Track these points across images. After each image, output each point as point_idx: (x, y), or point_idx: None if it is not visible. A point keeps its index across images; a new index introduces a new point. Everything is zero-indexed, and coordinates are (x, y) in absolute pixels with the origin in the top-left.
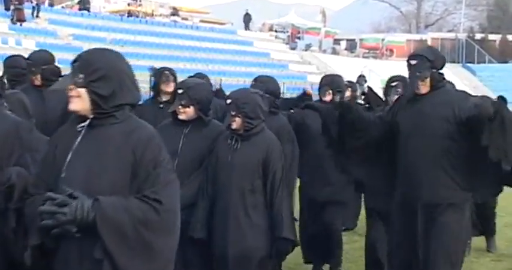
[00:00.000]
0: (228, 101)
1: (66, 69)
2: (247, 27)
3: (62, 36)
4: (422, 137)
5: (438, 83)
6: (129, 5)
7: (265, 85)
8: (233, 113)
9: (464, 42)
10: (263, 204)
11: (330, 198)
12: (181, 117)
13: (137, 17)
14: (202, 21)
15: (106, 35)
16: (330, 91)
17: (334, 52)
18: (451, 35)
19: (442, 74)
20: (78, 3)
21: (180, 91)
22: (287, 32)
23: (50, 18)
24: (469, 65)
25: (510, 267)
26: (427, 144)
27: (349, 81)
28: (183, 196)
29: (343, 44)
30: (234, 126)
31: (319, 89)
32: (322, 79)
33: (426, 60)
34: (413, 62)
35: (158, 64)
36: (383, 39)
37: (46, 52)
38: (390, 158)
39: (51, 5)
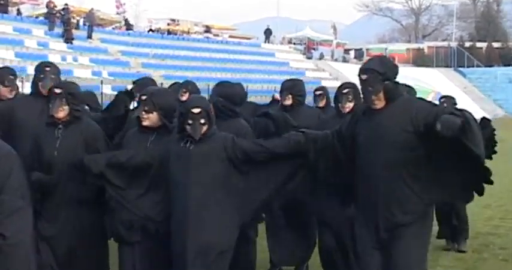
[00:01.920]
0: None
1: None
2: (267, 40)
3: (112, 53)
4: (381, 149)
5: (393, 95)
6: (168, 24)
7: (222, 89)
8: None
9: (456, 50)
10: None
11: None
12: (145, 123)
13: (175, 34)
14: (231, 36)
15: (149, 51)
16: (290, 95)
17: (345, 60)
18: (445, 44)
19: (397, 82)
20: (125, 24)
21: (143, 97)
22: (304, 44)
23: (101, 37)
24: (460, 68)
25: None
26: (387, 156)
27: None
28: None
29: (352, 53)
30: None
31: (280, 93)
32: (282, 84)
33: (377, 74)
34: (364, 76)
35: (193, 74)
36: (386, 49)
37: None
38: (348, 172)
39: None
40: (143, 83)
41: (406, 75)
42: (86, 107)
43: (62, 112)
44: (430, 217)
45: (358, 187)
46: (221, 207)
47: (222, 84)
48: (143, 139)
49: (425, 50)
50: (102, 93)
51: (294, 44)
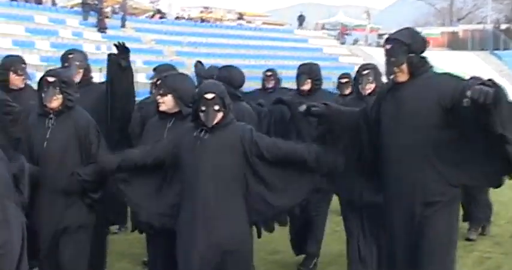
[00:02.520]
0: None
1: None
2: (300, 26)
3: (145, 42)
4: (405, 129)
5: (418, 69)
6: (201, 12)
7: (220, 73)
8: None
9: (492, 32)
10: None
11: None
12: (162, 108)
13: (208, 22)
14: (264, 23)
15: (182, 39)
16: (309, 80)
17: (378, 45)
18: (480, 26)
19: (423, 57)
20: (158, 12)
21: (158, 82)
22: (337, 29)
23: (135, 26)
24: (496, 51)
25: None
26: (411, 136)
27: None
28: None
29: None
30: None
31: (297, 77)
32: (299, 67)
33: (401, 44)
34: (388, 46)
35: (226, 61)
36: (420, 33)
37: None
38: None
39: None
40: (162, 69)
41: (441, 59)
42: None
43: (56, 101)
44: (458, 201)
45: (383, 171)
46: (234, 203)
47: (219, 69)
48: (161, 126)
49: (460, 34)
50: (136, 82)
51: (327, 29)
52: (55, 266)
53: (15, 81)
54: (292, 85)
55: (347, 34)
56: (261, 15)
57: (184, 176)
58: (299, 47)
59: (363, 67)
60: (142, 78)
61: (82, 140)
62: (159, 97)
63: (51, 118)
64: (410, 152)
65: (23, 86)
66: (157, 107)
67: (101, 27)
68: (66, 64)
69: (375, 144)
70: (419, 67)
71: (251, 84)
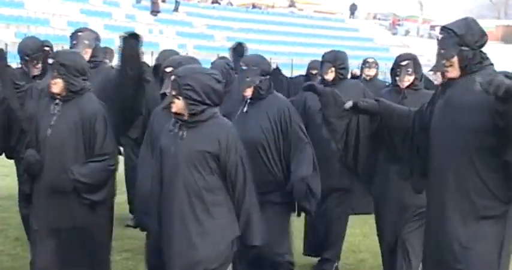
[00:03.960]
0: (172, 78)
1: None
2: (352, 16)
3: (197, 26)
4: (451, 130)
5: (471, 65)
6: None
7: (259, 67)
8: (174, 93)
9: None
10: (220, 205)
11: (334, 187)
12: (174, 109)
13: (260, 8)
14: (315, 11)
15: (234, 25)
16: (333, 69)
17: (430, 37)
18: None
19: (481, 53)
20: None
21: (172, 78)
22: (389, 19)
23: (187, 11)
24: None
25: None
26: (456, 140)
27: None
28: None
29: (438, 29)
30: (174, 109)
31: (321, 65)
32: (324, 55)
33: (453, 35)
34: (439, 36)
35: (277, 48)
36: (479, 24)
37: None
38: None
39: None
40: (166, 55)
41: (494, 52)
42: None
43: (55, 86)
44: (508, 220)
45: (428, 175)
46: (212, 216)
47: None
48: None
49: None
50: None
51: (379, 19)
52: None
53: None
54: None
55: (399, 25)
56: (313, 3)
57: (163, 180)
58: (350, 36)
59: (402, 57)
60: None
61: (87, 129)
62: (172, 98)
63: (57, 104)
64: (453, 155)
65: (38, 73)
66: (170, 107)
67: (154, 11)
68: (74, 42)
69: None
70: (474, 63)
71: (301, 73)
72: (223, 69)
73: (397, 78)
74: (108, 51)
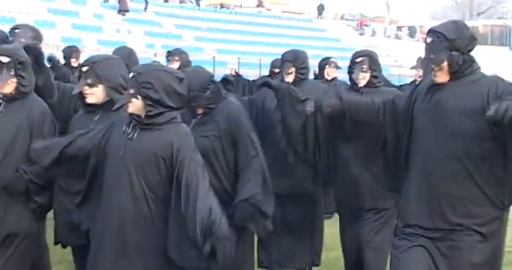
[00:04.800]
0: (131, 75)
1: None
2: (319, 16)
3: (165, 26)
4: (442, 136)
5: (462, 70)
6: None
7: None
8: (131, 92)
9: None
10: (166, 218)
11: (295, 191)
12: (90, 100)
13: (228, 8)
14: (283, 11)
15: (202, 24)
16: (293, 68)
17: (397, 37)
18: (500, 22)
19: (471, 57)
20: None
21: (84, 69)
22: (356, 20)
23: (155, 10)
24: None
25: None
26: (448, 146)
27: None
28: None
29: (405, 30)
30: (131, 109)
31: (281, 65)
32: (283, 54)
33: (443, 39)
34: (428, 39)
35: (245, 48)
36: (469, 28)
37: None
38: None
39: None
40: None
41: None
42: None
43: (9, 86)
44: (502, 226)
45: (410, 180)
46: (154, 227)
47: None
48: (88, 120)
49: (480, 29)
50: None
51: (347, 20)
52: None
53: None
54: (310, 76)
55: (366, 25)
56: (281, 3)
57: (104, 186)
58: (317, 36)
59: (356, 54)
60: (161, 62)
61: (35, 132)
62: (86, 88)
63: (0, 104)
64: (446, 161)
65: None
66: (83, 98)
67: (122, 10)
68: (11, 39)
69: (402, 145)
70: (464, 68)
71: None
72: None
73: (353, 76)
74: (74, 50)
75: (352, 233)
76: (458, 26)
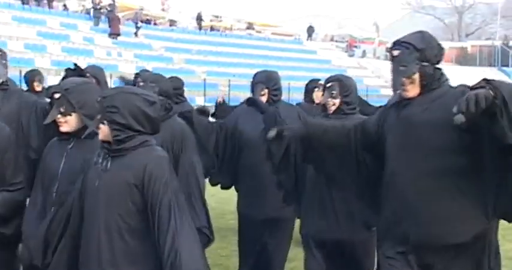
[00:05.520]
0: (98, 99)
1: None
2: (309, 38)
3: (155, 49)
4: (414, 153)
5: (432, 83)
6: (211, 20)
7: (158, 85)
8: (98, 117)
9: (500, 49)
10: (144, 253)
11: (269, 215)
12: (64, 129)
13: (218, 31)
14: (273, 33)
15: (192, 47)
16: (266, 90)
17: (387, 58)
18: (488, 42)
19: (439, 69)
20: (169, 21)
21: (56, 95)
22: (346, 41)
23: (145, 33)
24: (503, 68)
25: None
26: (422, 162)
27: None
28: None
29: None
30: (101, 136)
31: (252, 87)
32: (255, 75)
33: (413, 50)
34: (395, 52)
35: (235, 70)
36: (436, 38)
37: None
38: (367, 182)
39: (148, 22)
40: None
41: (449, 74)
42: None
43: None
44: (488, 239)
45: (386, 202)
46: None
47: (155, 78)
48: (61, 148)
49: (469, 49)
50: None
51: (336, 41)
52: None
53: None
54: (300, 96)
55: (356, 46)
56: (271, 26)
57: (84, 223)
58: (308, 58)
59: (327, 79)
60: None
61: None
62: (59, 116)
63: None
64: (421, 179)
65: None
66: (57, 127)
67: (114, 33)
68: None
69: (376, 167)
70: (434, 80)
71: None
72: None
73: (322, 101)
74: (36, 74)
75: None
76: (425, 36)
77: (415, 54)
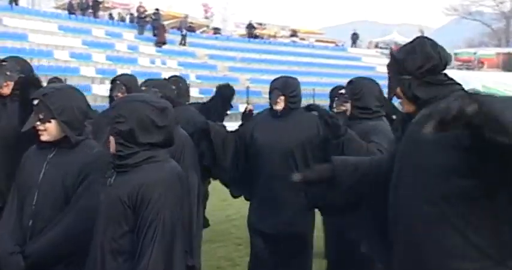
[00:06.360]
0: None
1: (201, 85)
2: (354, 45)
3: (199, 56)
4: (413, 175)
5: (419, 97)
6: (255, 28)
7: (161, 91)
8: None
9: None
10: None
11: (284, 230)
12: (44, 137)
13: (262, 38)
14: (317, 40)
15: (236, 54)
16: (283, 97)
17: None
18: None
19: (435, 81)
20: (213, 29)
21: (35, 102)
22: (390, 48)
23: (190, 41)
24: None
25: None
26: (421, 185)
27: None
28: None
29: None
30: (111, 149)
31: (270, 94)
32: (272, 82)
33: (393, 62)
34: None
35: None
36: (475, 53)
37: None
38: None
39: (192, 30)
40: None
41: (496, 80)
42: None
43: None
44: None
45: (389, 232)
46: None
47: (157, 84)
48: (41, 158)
49: None
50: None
51: (381, 48)
52: None
53: None
54: None
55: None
56: (315, 33)
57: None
58: (352, 65)
59: (339, 86)
60: (195, 93)
61: None
62: (39, 124)
63: None
64: (420, 206)
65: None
66: (37, 135)
67: (159, 42)
68: None
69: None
70: (423, 95)
71: (303, 101)
72: None
73: (333, 110)
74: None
75: None
76: (413, 45)
77: (395, 66)
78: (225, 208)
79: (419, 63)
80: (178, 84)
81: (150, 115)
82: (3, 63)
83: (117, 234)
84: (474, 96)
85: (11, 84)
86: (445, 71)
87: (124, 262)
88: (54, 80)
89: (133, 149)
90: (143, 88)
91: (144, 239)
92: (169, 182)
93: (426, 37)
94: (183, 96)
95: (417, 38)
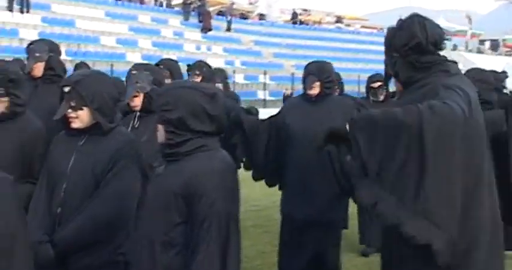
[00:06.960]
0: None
1: (246, 71)
2: None
3: (244, 43)
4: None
5: (407, 78)
6: (300, 14)
7: (152, 73)
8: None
9: None
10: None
11: (315, 217)
12: (75, 125)
13: (307, 24)
14: (362, 26)
15: (281, 41)
16: (318, 82)
17: (479, 51)
18: None
19: (418, 62)
20: (258, 15)
21: (66, 89)
22: None
23: (235, 27)
24: None
25: None
26: None
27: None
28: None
29: (487, 44)
30: (159, 138)
31: (304, 79)
32: (307, 66)
33: (385, 39)
34: None
35: None
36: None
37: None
38: None
39: (236, 16)
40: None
41: None
42: None
43: (0, 105)
44: None
45: None
46: None
47: (149, 68)
48: (70, 145)
49: None
50: (234, 82)
51: None
52: None
53: None
54: None
55: (447, 39)
56: (360, 19)
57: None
58: None
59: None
60: (240, 79)
61: (26, 154)
62: (70, 111)
63: None
64: None
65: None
66: (68, 123)
67: (205, 28)
68: (27, 56)
69: None
70: (402, 75)
71: (348, 88)
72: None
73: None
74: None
75: None
76: (406, 20)
77: (386, 42)
78: (273, 194)
79: (404, 40)
80: (202, 69)
81: (200, 102)
82: (31, 46)
83: (169, 226)
84: (355, 119)
85: (41, 65)
86: (491, 57)
87: (175, 255)
88: (81, 65)
89: (186, 136)
90: (133, 72)
91: (199, 233)
92: (222, 173)
93: (419, 15)
94: (208, 81)
95: (411, 15)
